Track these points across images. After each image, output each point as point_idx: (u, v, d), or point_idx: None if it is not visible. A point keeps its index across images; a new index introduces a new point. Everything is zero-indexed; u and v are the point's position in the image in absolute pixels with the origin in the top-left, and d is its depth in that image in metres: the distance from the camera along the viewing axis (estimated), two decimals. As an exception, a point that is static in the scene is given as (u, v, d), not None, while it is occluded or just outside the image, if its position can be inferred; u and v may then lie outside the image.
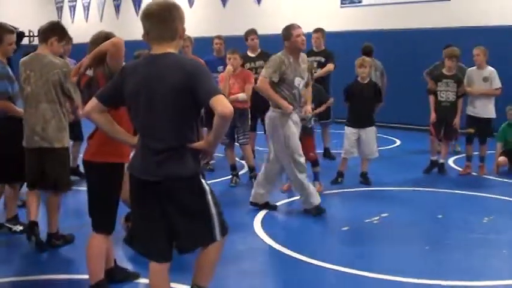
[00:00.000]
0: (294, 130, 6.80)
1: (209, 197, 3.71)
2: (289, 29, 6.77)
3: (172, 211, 3.62)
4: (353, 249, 5.92)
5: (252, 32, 9.97)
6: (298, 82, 6.78)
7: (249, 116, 8.50)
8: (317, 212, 6.83)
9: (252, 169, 8.53)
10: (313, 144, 7.99)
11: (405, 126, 13.53)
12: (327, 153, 10.47)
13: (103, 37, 4.44)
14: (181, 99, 3.48)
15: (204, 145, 3.61)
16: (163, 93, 3.48)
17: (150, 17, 3.60)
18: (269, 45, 10.51)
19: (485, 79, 9.06)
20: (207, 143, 3.59)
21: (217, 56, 9.75)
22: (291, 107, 6.65)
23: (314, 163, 7.95)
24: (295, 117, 6.81)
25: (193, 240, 3.72)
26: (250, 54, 9.85)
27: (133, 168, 3.71)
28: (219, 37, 9.93)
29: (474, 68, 9.23)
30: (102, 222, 4.40)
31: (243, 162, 9.23)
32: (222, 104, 3.38)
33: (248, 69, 9.33)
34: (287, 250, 5.67)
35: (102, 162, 4.28)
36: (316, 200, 6.88)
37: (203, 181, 3.69)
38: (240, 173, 8.82)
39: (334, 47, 11.54)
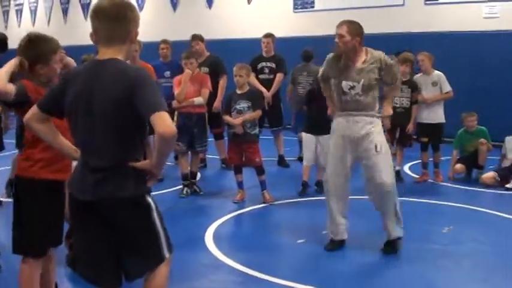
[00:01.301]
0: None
1: (155, 215, 3.38)
2: None
3: (115, 234, 3.29)
4: (308, 264, 5.66)
5: (195, 37, 9.73)
6: (349, 86, 5.73)
7: (206, 121, 8.20)
8: None
9: (194, 176, 8.23)
10: (258, 151, 7.73)
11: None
12: (281, 161, 10.24)
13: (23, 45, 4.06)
14: (122, 113, 3.12)
15: (148, 165, 3.25)
16: (102, 105, 3.12)
17: (100, 14, 3.23)
18: (220, 49, 10.29)
19: (434, 83, 9.00)
20: (150, 164, 3.25)
21: (164, 61, 9.48)
22: None
23: (260, 171, 7.69)
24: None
25: (143, 263, 3.38)
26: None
27: (72, 186, 3.36)
28: (165, 42, 9.69)
29: (420, 74, 9.14)
30: (26, 244, 3.97)
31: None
32: (163, 123, 3.01)
33: None
34: (240, 266, 5.37)
35: (36, 178, 3.90)
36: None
37: (149, 199, 3.36)
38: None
39: (287, 52, 11.35)
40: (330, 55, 5.90)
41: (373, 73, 5.66)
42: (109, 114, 3.14)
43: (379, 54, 5.74)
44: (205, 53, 9.76)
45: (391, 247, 5.85)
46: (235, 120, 7.52)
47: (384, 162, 5.72)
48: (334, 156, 5.92)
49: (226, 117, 7.62)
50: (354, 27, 5.63)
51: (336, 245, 5.97)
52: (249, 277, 5.16)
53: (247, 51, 10.50)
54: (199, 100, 7.94)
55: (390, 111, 6.09)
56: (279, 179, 9.25)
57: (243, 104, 7.52)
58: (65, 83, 3.30)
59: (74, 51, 8.91)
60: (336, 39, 5.63)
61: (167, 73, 9.10)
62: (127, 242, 3.32)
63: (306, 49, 10.61)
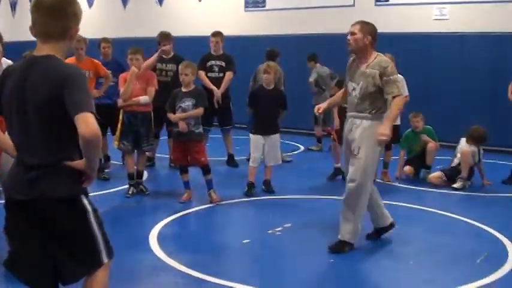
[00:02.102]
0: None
1: (91, 218, 3.27)
2: None
3: (51, 236, 3.18)
4: (253, 264, 5.60)
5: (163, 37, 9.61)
6: (352, 87, 5.75)
7: (152, 120, 8.06)
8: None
9: (140, 176, 8.10)
10: (203, 150, 7.66)
11: (308, 132, 13.30)
12: (230, 160, 10.16)
13: None
14: (54, 111, 3.03)
15: (82, 165, 3.16)
16: (35, 103, 3.05)
17: (39, 8, 3.12)
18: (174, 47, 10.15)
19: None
20: (84, 164, 3.16)
21: (105, 59, 9.30)
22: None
23: (205, 170, 7.59)
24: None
25: (78, 267, 3.28)
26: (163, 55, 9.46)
27: (6, 185, 3.25)
28: (106, 40, 9.52)
29: None
30: None
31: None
32: (85, 125, 2.94)
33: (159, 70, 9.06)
34: (183, 267, 5.25)
35: None
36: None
37: (84, 200, 3.25)
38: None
39: (238, 50, 11.27)
40: (351, 58, 5.94)
41: (373, 78, 5.58)
42: (42, 113, 3.07)
43: (384, 61, 5.65)
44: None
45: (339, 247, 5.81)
46: (174, 116, 7.41)
47: (357, 165, 5.66)
48: (346, 157, 5.95)
49: (170, 115, 7.50)
50: (367, 26, 5.67)
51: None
52: (192, 278, 5.05)
53: (198, 49, 10.39)
54: (145, 99, 7.80)
55: (385, 131, 5.51)
56: (227, 179, 9.19)
57: (187, 102, 7.41)
58: (3, 79, 3.21)
59: (23, 46, 8.75)
60: (348, 36, 5.67)
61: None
62: (62, 244, 3.22)
63: (271, 48, 10.62)
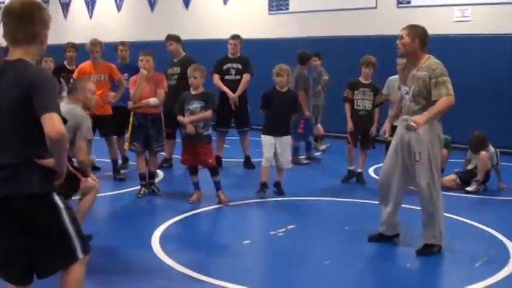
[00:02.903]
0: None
1: (64, 214, 3.40)
2: None
3: (26, 231, 3.32)
4: (250, 265, 5.66)
5: (169, 37, 9.76)
6: (405, 91, 5.83)
7: (163, 121, 8.18)
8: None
9: (152, 176, 8.21)
10: (212, 152, 7.74)
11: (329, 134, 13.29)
12: (247, 162, 10.23)
13: None
14: (25, 112, 3.19)
15: (52, 163, 3.31)
16: (7, 104, 3.22)
17: (8, 14, 3.29)
18: (197, 49, 10.29)
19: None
20: (54, 162, 3.31)
21: (122, 63, 9.45)
22: None
23: (214, 171, 7.68)
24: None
25: (52, 262, 3.42)
26: (174, 59, 9.63)
27: None
28: (123, 44, 9.65)
29: (396, 76, 9.12)
30: None
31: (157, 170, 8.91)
32: (50, 125, 3.10)
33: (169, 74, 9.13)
34: (179, 266, 5.34)
35: None
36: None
37: (56, 198, 3.39)
38: (156, 180, 8.46)
39: (262, 52, 11.32)
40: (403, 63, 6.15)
41: (423, 80, 5.64)
42: (14, 114, 3.22)
43: (434, 63, 5.69)
44: (180, 53, 9.78)
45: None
46: (184, 119, 7.51)
47: (422, 170, 5.71)
48: (388, 157, 6.02)
49: (179, 117, 7.60)
50: (416, 30, 5.74)
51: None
52: (185, 277, 5.14)
53: (222, 51, 10.46)
54: (154, 101, 7.93)
55: (420, 120, 5.57)
56: (243, 180, 9.28)
57: (195, 105, 7.50)
58: None
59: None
60: (397, 40, 5.78)
61: (125, 75, 9.08)
62: (36, 239, 3.35)
63: (303, 50, 10.77)
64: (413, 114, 5.68)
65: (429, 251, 5.79)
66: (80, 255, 3.45)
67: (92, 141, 8.74)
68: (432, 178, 5.75)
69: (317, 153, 11.72)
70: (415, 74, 5.70)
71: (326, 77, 11.79)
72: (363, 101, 8.97)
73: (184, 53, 9.83)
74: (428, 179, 5.71)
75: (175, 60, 9.68)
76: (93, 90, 6.23)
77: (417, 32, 5.71)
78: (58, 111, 3.16)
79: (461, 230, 6.81)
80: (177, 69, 9.53)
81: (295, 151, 10.45)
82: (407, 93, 5.78)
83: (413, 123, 5.55)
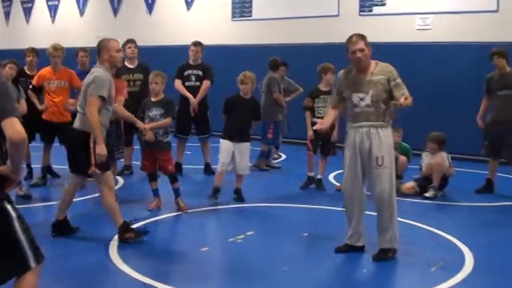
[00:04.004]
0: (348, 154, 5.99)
1: (16, 223, 3.37)
2: (347, 41, 5.85)
3: None
4: (207, 272, 5.62)
5: (129, 41, 9.71)
6: (359, 98, 5.81)
7: (122, 129, 8.14)
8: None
9: None
10: (171, 159, 7.74)
11: (289, 141, 13.33)
12: (207, 169, 10.22)
13: None
14: None
15: (6, 170, 3.28)
16: None
17: None
18: (160, 56, 10.26)
19: None
20: (8, 169, 3.28)
21: (82, 69, 9.35)
22: None
23: (173, 179, 7.67)
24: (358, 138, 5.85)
25: (4, 271, 3.39)
26: (128, 65, 9.55)
27: None
28: (84, 49, 9.56)
29: None
30: None
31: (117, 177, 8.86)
32: (12, 129, 3.09)
33: (126, 81, 9.04)
34: (136, 273, 5.32)
35: None
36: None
37: (8, 206, 3.35)
38: (116, 187, 8.37)
39: (225, 59, 11.30)
40: (341, 71, 6.05)
41: (381, 84, 5.74)
42: None
43: (387, 66, 5.86)
44: (137, 59, 9.75)
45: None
46: (143, 125, 7.48)
47: (384, 175, 5.78)
48: (349, 168, 5.94)
49: (139, 124, 7.58)
50: (366, 39, 5.81)
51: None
52: (143, 285, 5.12)
53: (186, 58, 10.44)
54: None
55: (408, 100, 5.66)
56: (203, 187, 9.24)
57: (155, 112, 7.49)
58: None
59: (15, 54, 8.94)
60: (358, 55, 5.71)
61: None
62: None
63: (274, 57, 10.93)
64: (374, 119, 5.75)
65: (386, 256, 5.85)
66: (33, 264, 3.43)
67: (51, 147, 8.75)
68: (392, 182, 5.85)
69: (277, 160, 11.77)
70: (370, 79, 5.75)
71: (301, 90, 11.74)
72: (324, 109, 9.03)
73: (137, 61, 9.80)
74: (389, 183, 5.80)
75: (132, 66, 9.59)
76: (118, 48, 6.35)
77: (367, 39, 5.80)
78: (17, 115, 3.15)
79: (418, 235, 6.89)
80: (138, 76, 9.49)
81: (267, 156, 10.52)
82: (362, 99, 5.77)
83: (404, 101, 5.59)
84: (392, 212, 5.85)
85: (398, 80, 5.78)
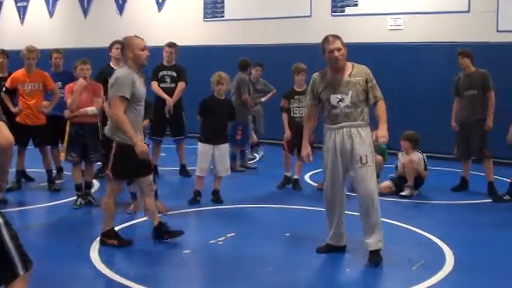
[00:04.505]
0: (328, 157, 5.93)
1: (3, 230, 3.30)
2: (323, 42, 5.83)
3: None
4: (190, 274, 5.64)
5: (116, 42, 9.61)
6: (338, 99, 5.79)
7: (99, 131, 8.06)
8: None
9: (88, 186, 8.12)
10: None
11: (265, 141, 13.35)
12: (183, 170, 10.18)
13: None
14: None
15: None
16: None
17: None
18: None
19: None
20: None
21: (56, 71, 9.24)
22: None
23: None
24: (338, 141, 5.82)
25: None
26: (114, 66, 9.46)
27: None
28: (58, 51, 9.42)
29: None
30: None
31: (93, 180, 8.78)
32: None
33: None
34: (119, 277, 5.27)
35: None
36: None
37: None
38: (93, 190, 8.34)
39: (197, 60, 11.25)
40: (316, 74, 5.99)
41: (360, 85, 5.76)
42: None
43: (364, 67, 5.89)
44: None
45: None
46: None
47: (369, 174, 5.76)
48: (330, 170, 5.90)
49: None
50: (341, 39, 5.79)
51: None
52: (126, 288, 5.09)
53: (157, 59, 10.40)
54: (92, 110, 7.83)
55: (385, 133, 5.71)
56: (180, 189, 9.24)
57: (132, 114, 7.42)
58: None
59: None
60: (336, 54, 5.69)
61: (58, 83, 8.90)
62: None
63: (243, 58, 10.93)
64: (353, 119, 5.75)
65: (380, 257, 5.80)
66: (21, 271, 3.36)
67: (25, 150, 8.64)
68: (376, 181, 5.90)
69: (253, 161, 11.76)
70: (349, 80, 5.76)
71: (275, 91, 11.77)
72: (299, 109, 9.08)
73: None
74: (374, 182, 5.82)
75: (116, 68, 9.46)
76: (142, 46, 6.00)
77: (342, 40, 5.81)
78: (4, 120, 3.08)
79: (397, 234, 6.93)
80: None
81: (233, 158, 10.48)
82: (341, 100, 5.75)
83: (384, 139, 5.68)
84: (379, 212, 5.85)
85: (374, 82, 5.85)
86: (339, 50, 5.71)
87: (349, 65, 5.85)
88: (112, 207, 6.20)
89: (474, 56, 9.25)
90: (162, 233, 6.30)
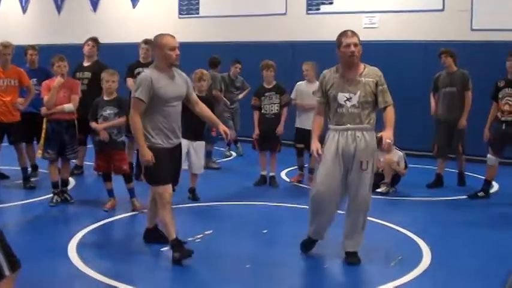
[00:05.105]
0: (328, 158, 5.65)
1: None
2: (340, 36, 5.60)
3: None
4: (168, 272, 5.61)
5: (89, 39, 9.60)
6: (345, 98, 5.57)
7: (77, 128, 8.01)
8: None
9: (65, 184, 8.06)
10: (126, 158, 7.71)
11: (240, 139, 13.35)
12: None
13: None
14: None
15: None
16: None
17: None
18: (105, 53, 10.14)
19: (314, 93, 9.12)
20: None
21: (31, 67, 9.16)
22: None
23: (128, 178, 7.62)
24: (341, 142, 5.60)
25: None
26: (84, 63, 9.43)
27: None
28: (33, 48, 9.35)
29: (303, 82, 9.40)
30: None
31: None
32: None
33: (77, 79, 8.90)
34: (99, 275, 5.23)
35: None
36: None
37: None
38: (69, 188, 8.26)
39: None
40: (327, 70, 5.75)
41: (370, 86, 5.55)
42: None
43: (377, 69, 5.70)
44: (94, 57, 9.61)
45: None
46: (98, 125, 7.41)
47: (366, 180, 5.64)
48: (326, 171, 5.63)
49: (92, 124, 7.48)
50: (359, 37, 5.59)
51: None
52: (104, 285, 5.06)
53: (132, 55, 10.35)
54: (69, 107, 7.78)
55: (391, 135, 5.57)
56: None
57: (109, 111, 7.41)
58: None
59: None
60: (353, 48, 5.46)
61: (33, 80, 8.81)
62: None
63: (213, 56, 10.93)
64: (359, 122, 5.56)
65: (358, 259, 5.77)
66: (7, 272, 3.35)
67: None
68: (371, 186, 5.78)
69: (229, 159, 11.77)
70: (359, 79, 5.55)
71: (249, 88, 11.78)
72: (270, 105, 9.16)
73: (97, 58, 9.67)
74: (369, 187, 5.71)
75: (86, 64, 9.47)
76: (172, 45, 5.66)
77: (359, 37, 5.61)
78: None
79: (374, 230, 6.91)
80: (87, 74, 9.34)
81: (208, 155, 10.47)
82: (348, 99, 5.54)
83: (389, 141, 5.50)
84: (366, 218, 5.83)
85: (385, 86, 5.64)
86: (356, 45, 5.48)
87: (361, 65, 5.66)
88: (167, 218, 5.71)
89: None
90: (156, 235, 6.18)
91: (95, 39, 9.67)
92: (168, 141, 5.80)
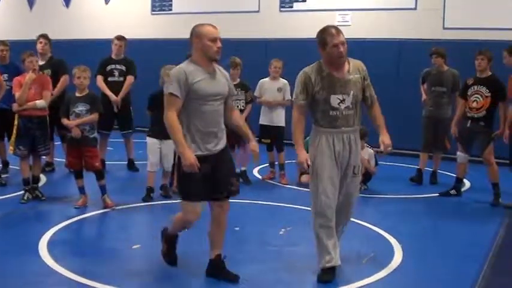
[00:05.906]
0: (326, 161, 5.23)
1: None
2: (324, 34, 5.08)
3: None
4: (140, 269, 5.60)
5: (40, 36, 9.49)
6: (339, 100, 5.14)
7: (48, 124, 7.95)
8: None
9: (36, 181, 7.98)
10: (98, 155, 7.67)
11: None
12: (131, 165, 10.11)
13: None
14: None
15: None
16: None
17: None
18: (77, 49, 10.07)
19: (279, 89, 9.48)
20: None
21: (2, 63, 9.03)
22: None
23: (99, 175, 7.57)
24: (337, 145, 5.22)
25: None
26: (39, 61, 9.29)
27: None
28: (4, 43, 9.21)
29: (267, 79, 9.59)
30: None
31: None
32: None
33: None
34: (70, 273, 5.21)
35: None
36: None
37: None
38: (40, 184, 8.19)
39: (144, 54, 11.12)
40: (308, 70, 5.23)
41: (359, 83, 5.21)
42: None
43: (360, 63, 5.32)
44: (48, 54, 9.51)
45: None
46: (70, 122, 7.36)
47: (357, 185, 5.51)
48: (328, 176, 5.20)
49: (64, 120, 7.42)
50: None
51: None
52: (78, 284, 5.03)
53: (103, 51, 10.28)
54: (41, 103, 7.73)
55: (390, 141, 5.35)
56: (127, 183, 9.16)
57: (81, 107, 7.36)
58: None
59: None
60: (341, 49, 5.01)
61: (4, 76, 8.70)
62: None
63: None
64: (352, 124, 5.23)
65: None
66: None
67: None
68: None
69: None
70: (349, 78, 5.15)
71: None
72: (235, 101, 9.14)
73: (51, 54, 9.58)
74: (358, 192, 5.61)
75: (42, 63, 9.23)
76: (213, 36, 4.92)
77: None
78: None
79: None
80: (48, 71, 9.20)
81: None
82: (342, 101, 5.14)
83: (390, 148, 5.30)
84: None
85: (369, 80, 5.36)
86: (343, 44, 5.03)
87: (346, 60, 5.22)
88: (178, 229, 5.56)
89: (422, 53, 9.45)
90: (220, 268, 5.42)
91: (45, 36, 9.55)
92: (205, 148, 5.03)
